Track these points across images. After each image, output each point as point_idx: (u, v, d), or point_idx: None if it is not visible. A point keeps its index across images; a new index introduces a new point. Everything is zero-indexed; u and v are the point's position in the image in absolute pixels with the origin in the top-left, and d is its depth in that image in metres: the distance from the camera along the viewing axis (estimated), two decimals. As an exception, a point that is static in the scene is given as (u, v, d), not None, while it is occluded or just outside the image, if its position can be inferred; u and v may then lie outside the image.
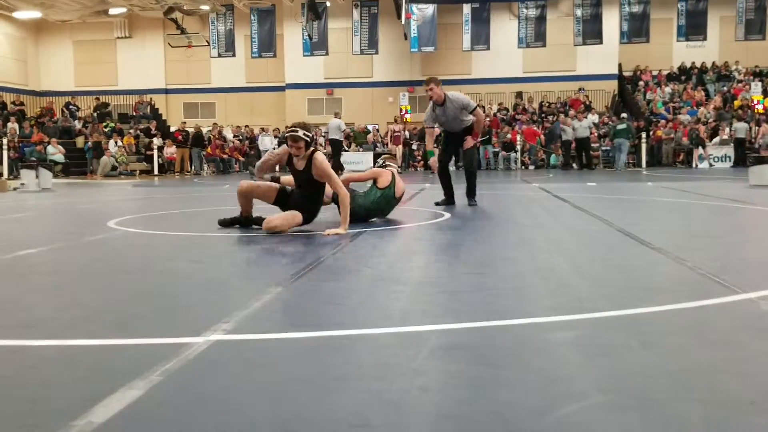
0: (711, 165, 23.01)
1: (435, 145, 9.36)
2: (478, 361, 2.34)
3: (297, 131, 5.86)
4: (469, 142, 8.59)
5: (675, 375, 2.21)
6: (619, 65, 28.70)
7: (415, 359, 2.35)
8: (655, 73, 28.83)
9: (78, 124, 26.51)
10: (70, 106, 27.81)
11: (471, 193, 8.80)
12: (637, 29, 26.37)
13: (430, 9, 26.94)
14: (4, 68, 29.18)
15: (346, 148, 24.48)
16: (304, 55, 27.81)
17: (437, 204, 8.67)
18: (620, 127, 22.82)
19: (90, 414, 1.89)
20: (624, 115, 23.92)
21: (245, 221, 6.27)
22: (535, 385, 2.12)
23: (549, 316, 2.93)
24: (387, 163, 7.41)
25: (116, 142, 24.20)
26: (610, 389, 2.07)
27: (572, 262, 4.39)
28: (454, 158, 9.43)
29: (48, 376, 2.28)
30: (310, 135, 5.93)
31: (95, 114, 27.53)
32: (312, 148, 5.99)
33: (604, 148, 24.34)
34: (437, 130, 9.18)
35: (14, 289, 3.80)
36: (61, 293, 3.68)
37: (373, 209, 6.83)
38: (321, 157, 5.96)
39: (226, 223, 6.32)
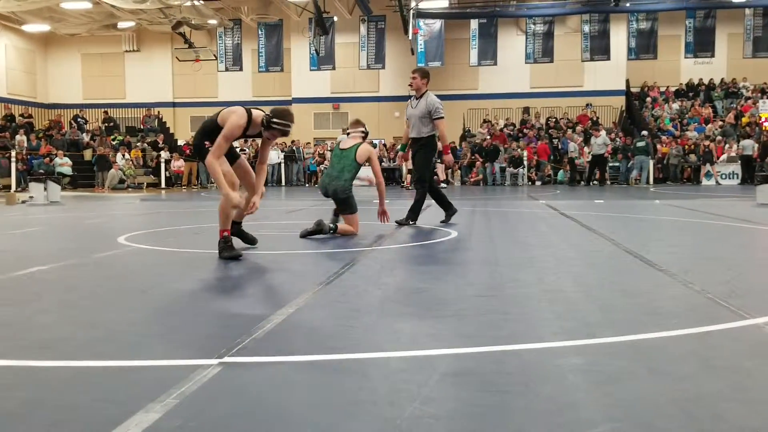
0: (718, 183, 23.02)
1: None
2: (487, 387, 2.38)
3: (289, 127, 5.71)
4: (449, 159, 8.48)
5: (681, 403, 2.24)
6: (627, 81, 28.77)
7: (426, 385, 2.39)
8: (662, 89, 28.89)
9: (86, 137, 26.67)
10: (78, 119, 27.99)
11: (413, 212, 8.43)
12: (644, 46, 26.48)
13: (437, 24, 27.09)
14: (13, 80, 29.42)
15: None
16: (310, 70, 27.99)
17: (443, 222, 8.62)
18: (640, 144, 23.02)
19: (109, 438, 1.94)
20: (644, 132, 24.07)
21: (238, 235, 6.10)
22: (543, 413, 2.16)
23: (557, 342, 2.97)
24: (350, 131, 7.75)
25: (123, 155, 24.35)
26: (618, 417, 2.11)
27: (580, 284, 4.43)
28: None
29: (66, 398, 2.32)
30: None
31: (103, 127, 27.70)
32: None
33: (612, 164, 24.37)
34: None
35: (28, 308, 3.85)
36: (75, 313, 3.72)
37: (332, 174, 7.38)
38: None
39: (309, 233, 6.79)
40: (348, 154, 7.43)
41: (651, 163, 23.46)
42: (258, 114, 5.65)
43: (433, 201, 8.85)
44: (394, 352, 2.83)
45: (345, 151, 7.49)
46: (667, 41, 27.10)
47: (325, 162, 26.13)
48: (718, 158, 23.70)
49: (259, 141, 6.06)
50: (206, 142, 5.68)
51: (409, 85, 8.63)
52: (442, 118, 8.35)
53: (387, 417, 2.10)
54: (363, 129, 7.68)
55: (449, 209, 8.69)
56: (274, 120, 5.58)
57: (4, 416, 2.16)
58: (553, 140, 25.85)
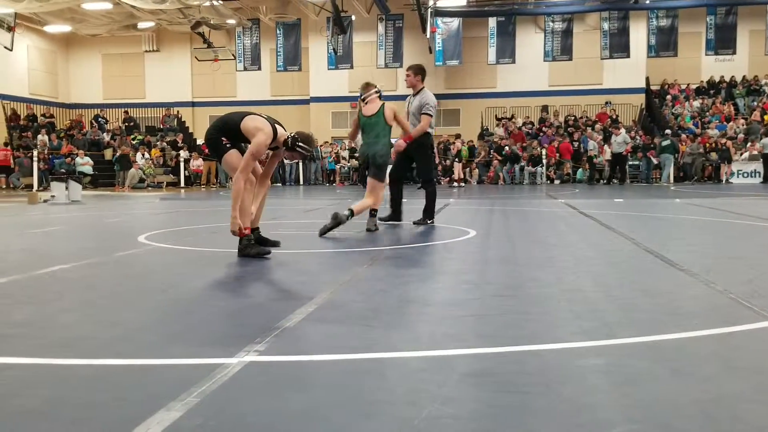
0: (728, 181, 22.82)
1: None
2: (506, 388, 2.38)
3: (311, 153, 6.00)
4: (399, 144, 8.06)
5: (702, 404, 2.22)
6: (647, 79, 28.54)
7: (445, 385, 2.38)
8: (683, 86, 28.62)
9: (106, 137, 26.90)
10: (99, 119, 28.23)
11: (428, 212, 8.28)
12: (665, 43, 26.24)
13: (455, 23, 27.02)
14: (34, 81, 29.72)
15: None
16: (328, 69, 28.01)
17: (381, 220, 8.11)
18: (665, 143, 22.94)
19: (131, 437, 1.96)
20: (668, 131, 23.95)
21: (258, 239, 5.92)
22: (563, 413, 2.15)
23: (577, 342, 2.95)
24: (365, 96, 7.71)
25: (143, 155, 24.52)
26: (638, 418, 2.09)
27: (600, 284, 4.40)
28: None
29: (87, 396, 2.34)
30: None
31: (123, 126, 27.93)
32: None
33: (633, 163, 24.21)
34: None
35: (50, 306, 3.89)
36: (96, 311, 3.76)
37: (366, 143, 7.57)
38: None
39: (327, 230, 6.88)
40: (377, 120, 7.50)
41: (672, 161, 23.31)
42: (282, 133, 5.69)
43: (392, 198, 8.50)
44: (412, 352, 2.83)
45: (372, 117, 7.54)
46: (687, 38, 26.84)
47: (342, 161, 26.17)
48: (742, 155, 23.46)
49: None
50: (224, 139, 5.72)
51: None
52: (430, 115, 8.21)
53: (405, 417, 2.11)
54: (376, 89, 7.73)
55: (396, 215, 8.36)
56: (300, 144, 5.66)
57: (26, 414, 2.18)
58: (573, 141, 25.69)
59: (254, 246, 5.66)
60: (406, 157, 8.45)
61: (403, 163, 8.54)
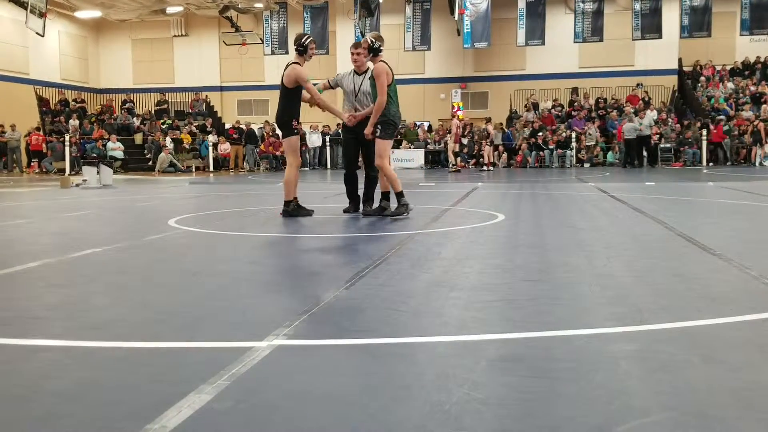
0: (762, 164, 22.41)
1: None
2: (536, 373, 2.36)
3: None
4: (369, 129, 7.42)
5: (738, 392, 2.18)
6: (679, 60, 28.03)
7: (474, 370, 2.37)
8: (718, 68, 28.06)
9: (136, 121, 27.14)
10: (127, 103, 28.47)
11: (368, 198, 7.90)
12: (698, 23, 25.71)
13: (483, 4, 26.72)
14: (66, 66, 30.05)
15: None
16: (356, 52, 27.92)
17: (345, 211, 7.93)
18: (726, 128, 22.88)
19: (162, 418, 1.98)
20: (722, 117, 23.82)
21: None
22: (594, 400, 2.12)
23: (609, 328, 2.92)
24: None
25: (173, 139, 24.68)
26: (672, 406, 2.06)
27: (631, 269, 4.34)
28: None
29: (119, 378, 2.37)
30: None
31: (153, 111, 28.14)
32: None
33: (663, 146, 23.83)
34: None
35: (82, 289, 3.95)
36: (128, 294, 3.80)
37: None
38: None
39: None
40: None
41: (704, 144, 22.96)
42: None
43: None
44: (441, 337, 2.82)
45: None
46: (721, 18, 26.26)
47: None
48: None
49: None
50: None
51: (354, 61, 7.81)
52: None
53: (435, 401, 2.10)
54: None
55: (356, 205, 7.95)
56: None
57: (59, 395, 2.21)
58: (614, 122, 25.26)
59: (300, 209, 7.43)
60: (355, 143, 7.92)
61: (353, 149, 8.01)
